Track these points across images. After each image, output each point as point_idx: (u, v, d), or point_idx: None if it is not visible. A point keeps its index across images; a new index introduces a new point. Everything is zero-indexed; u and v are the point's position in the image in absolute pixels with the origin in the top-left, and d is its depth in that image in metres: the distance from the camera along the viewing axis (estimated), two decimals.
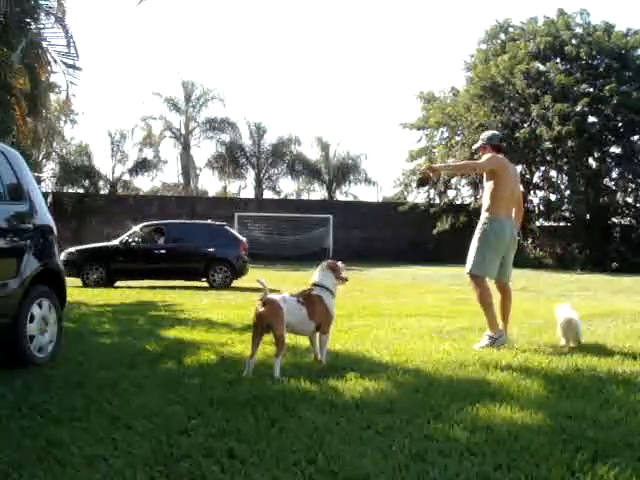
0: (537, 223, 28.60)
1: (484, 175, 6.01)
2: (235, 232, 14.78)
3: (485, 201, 5.86)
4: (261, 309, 4.23)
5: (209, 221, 15.75)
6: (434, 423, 3.16)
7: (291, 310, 4.35)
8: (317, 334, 4.62)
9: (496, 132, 6.42)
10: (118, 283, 13.61)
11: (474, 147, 6.29)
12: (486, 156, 5.87)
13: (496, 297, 5.92)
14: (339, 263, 4.87)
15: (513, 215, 5.92)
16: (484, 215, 5.79)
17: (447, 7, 74.07)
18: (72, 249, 13.95)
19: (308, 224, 27.92)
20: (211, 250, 13.50)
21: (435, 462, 2.64)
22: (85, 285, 13.14)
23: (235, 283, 13.59)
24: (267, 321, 4.21)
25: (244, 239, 14.42)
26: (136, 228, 14.39)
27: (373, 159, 72.71)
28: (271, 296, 4.34)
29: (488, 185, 5.84)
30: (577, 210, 25.93)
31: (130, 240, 13.92)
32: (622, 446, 2.83)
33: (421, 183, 5.74)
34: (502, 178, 5.73)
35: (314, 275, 4.73)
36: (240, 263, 13.74)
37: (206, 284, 13.40)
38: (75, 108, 31.67)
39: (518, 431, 3.02)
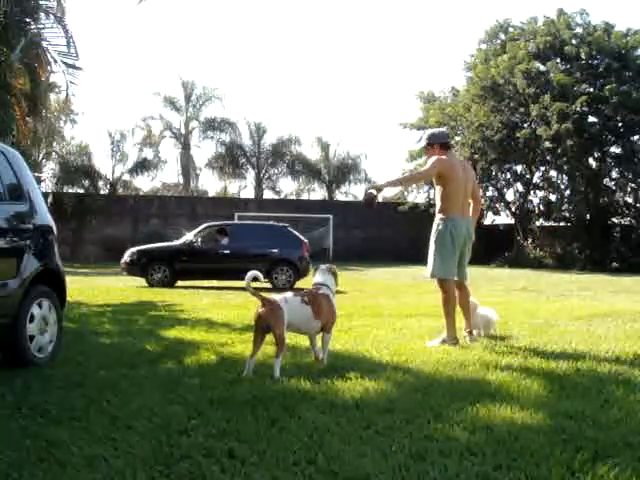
0: (537, 223, 28.61)
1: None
2: (297, 233, 14.75)
3: (437, 202, 5.84)
4: (260, 310, 4.24)
5: (271, 222, 15.87)
6: (434, 423, 3.16)
7: (295, 310, 4.35)
8: (318, 334, 4.62)
9: (442, 129, 6.25)
10: (181, 283, 13.64)
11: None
12: (430, 160, 5.79)
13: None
14: (334, 268, 4.93)
15: (471, 212, 5.91)
16: (438, 217, 5.77)
17: (447, 7, 74.10)
18: (135, 249, 14.14)
19: (308, 224, 27.88)
20: (274, 251, 13.56)
21: (435, 462, 2.64)
22: (150, 285, 13.25)
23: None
24: (267, 321, 4.21)
25: (306, 240, 14.41)
26: (200, 228, 14.47)
27: (373, 159, 72.73)
28: (272, 296, 4.36)
29: (438, 187, 5.82)
30: (577, 210, 25.94)
31: (194, 240, 14.01)
32: (622, 446, 2.83)
33: (368, 204, 5.64)
34: (450, 179, 5.69)
35: (316, 276, 4.79)
36: (303, 264, 13.73)
37: (267, 285, 13.25)
38: (75, 108, 31.72)
39: (518, 431, 3.02)
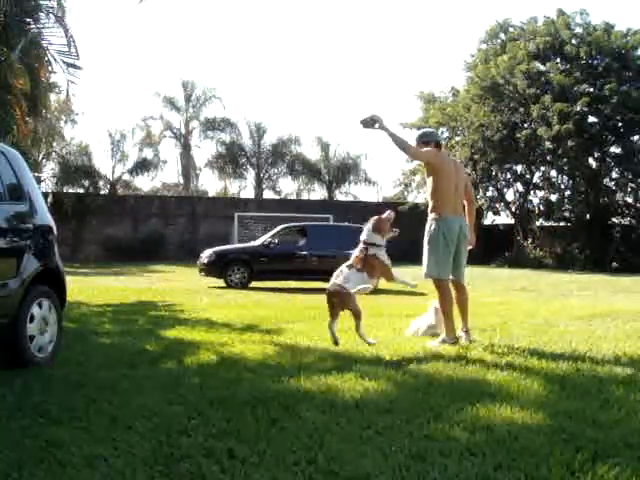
0: (537, 223, 28.61)
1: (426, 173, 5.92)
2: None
3: (429, 200, 5.78)
4: (332, 299, 5.21)
5: (346, 223, 15.89)
6: (434, 423, 3.17)
7: (356, 280, 5.29)
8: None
9: (430, 129, 6.23)
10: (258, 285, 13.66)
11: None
12: (425, 149, 5.75)
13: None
14: (385, 215, 5.55)
15: (466, 214, 5.86)
16: (430, 216, 5.72)
17: (447, 7, 74.10)
18: (213, 250, 14.28)
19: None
20: (351, 252, 13.52)
21: (435, 462, 2.64)
22: (228, 286, 13.32)
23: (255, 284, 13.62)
24: (341, 307, 5.23)
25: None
26: (277, 229, 14.56)
27: (373, 159, 72.64)
28: (335, 283, 5.28)
29: (429, 183, 5.78)
30: (577, 210, 25.92)
31: (271, 241, 14.09)
32: (622, 446, 2.83)
33: (364, 125, 5.54)
34: (441, 173, 5.64)
35: (362, 234, 5.52)
36: None
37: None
38: (75, 108, 31.66)
39: (518, 431, 3.02)
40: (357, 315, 5.18)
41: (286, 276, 13.85)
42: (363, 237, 5.44)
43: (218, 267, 13.71)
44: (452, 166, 5.79)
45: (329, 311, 5.29)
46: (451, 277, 5.72)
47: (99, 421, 3.20)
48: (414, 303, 9.84)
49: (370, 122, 5.54)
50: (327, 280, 13.95)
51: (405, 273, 5.56)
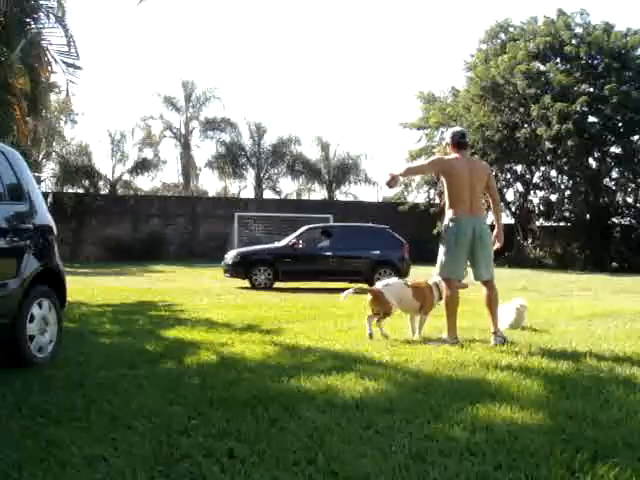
0: (537, 223, 28.61)
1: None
2: (397, 234, 14.80)
3: (446, 202, 5.95)
4: (369, 297, 6.03)
5: (370, 224, 15.94)
6: (434, 423, 3.17)
7: (397, 290, 6.08)
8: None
9: (457, 129, 6.38)
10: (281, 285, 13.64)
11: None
12: (432, 157, 5.86)
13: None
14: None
15: (492, 210, 5.99)
16: (445, 216, 5.92)
17: (447, 7, 74.09)
18: (237, 251, 14.34)
19: (308, 224, 27.86)
20: (376, 252, 13.58)
21: (435, 462, 2.64)
22: (253, 287, 13.34)
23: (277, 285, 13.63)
24: (374, 304, 5.97)
25: (405, 241, 14.41)
26: (301, 230, 14.61)
27: (373, 159, 72.62)
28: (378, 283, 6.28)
29: (444, 183, 5.97)
30: (577, 210, 25.92)
31: (296, 242, 14.13)
32: (622, 446, 2.83)
33: (389, 186, 6.15)
34: (450, 176, 5.81)
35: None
36: (404, 265, 13.73)
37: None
38: (75, 108, 31.62)
39: (518, 431, 3.03)
40: (383, 315, 6.01)
41: (311, 277, 13.87)
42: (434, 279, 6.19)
43: (243, 268, 13.75)
44: (465, 167, 5.82)
45: (368, 307, 6.07)
46: (477, 278, 5.92)
47: (99, 421, 3.20)
48: None
49: (392, 182, 6.07)
50: (351, 281, 14.08)
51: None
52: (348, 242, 14.03)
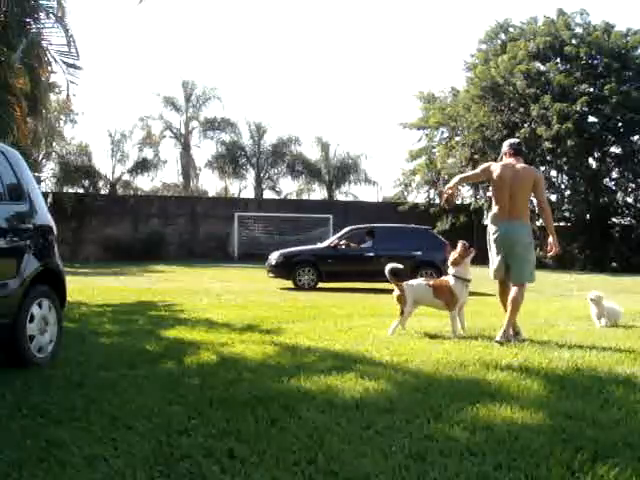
0: (537, 223, 28.59)
1: None
2: (438, 235, 14.79)
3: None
4: (396, 294, 6.40)
5: (413, 225, 15.97)
6: (434, 423, 3.17)
7: (418, 289, 6.41)
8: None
9: (512, 140, 6.65)
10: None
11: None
12: (483, 164, 6.53)
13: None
14: (458, 248, 6.32)
15: (525, 216, 6.11)
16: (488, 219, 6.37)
17: (447, 7, 74.10)
18: (280, 252, 14.39)
19: (308, 224, 27.91)
20: (418, 253, 13.59)
21: (435, 462, 2.64)
22: (297, 287, 13.42)
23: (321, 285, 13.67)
24: (400, 301, 6.37)
25: (447, 242, 14.42)
26: (344, 231, 14.64)
27: (373, 159, 72.60)
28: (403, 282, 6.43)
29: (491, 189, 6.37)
30: (577, 210, 25.94)
31: (339, 243, 14.21)
32: (622, 446, 2.83)
33: (448, 203, 6.68)
34: (493, 182, 6.14)
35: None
36: (446, 266, 13.68)
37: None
38: (75, 108, 31.61)
39: (518, 431, 3.03)
40: (404, 313, 6.41)
41: (353, 278, 13.93)
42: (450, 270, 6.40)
43: (286, 268, 13.89)
44: (508, 174, 6.05)
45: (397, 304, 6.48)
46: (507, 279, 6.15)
47: (99, 421, 3.20)
48: None
49: (452, 197, 6.52)
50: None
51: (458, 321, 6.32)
52: (390, 243, 14.07)
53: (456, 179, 6.53)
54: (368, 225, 15.42)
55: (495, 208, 6.11)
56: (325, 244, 14.64)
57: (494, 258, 6.12)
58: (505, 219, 6.00)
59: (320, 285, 13.61)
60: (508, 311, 5.89)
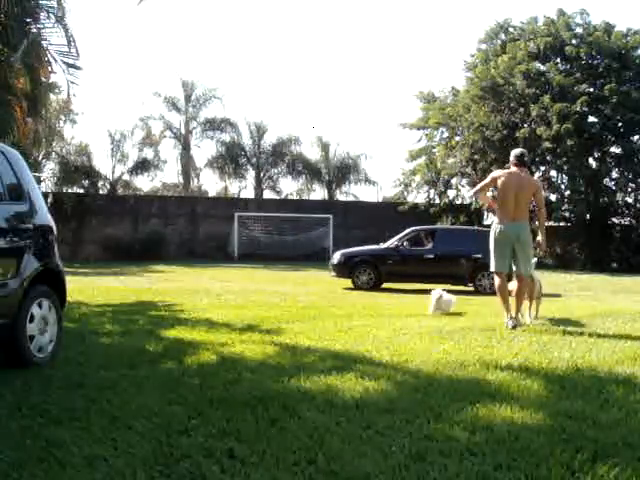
0: (537, 223, 28.57)
1: None
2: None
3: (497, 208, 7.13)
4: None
5: (476, 227, 15.91)
6: (434, 423, 3.17)
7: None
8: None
9: (517, 150, 7.42)
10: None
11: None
12: (491, 174, 7.32)
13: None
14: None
15: (526, 218, 7.05)
16: (494, 220, 7.19)
17: (447, 7, 74.07)
18: (342, 252, 14.55)
19: (308, 224, 27.91)
20: (478, 256, 13.41)
21: (435, 462, 2.65)
22: (356, 287, 13.52)
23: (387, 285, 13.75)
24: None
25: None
26: (405, 232, 14.68)
27: (373, 159, 72.53)
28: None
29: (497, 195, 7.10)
30: (577, 210, 25.91)
31: (399, 244, 14.24)
32: (622, 446, 2.83)
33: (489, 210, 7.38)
34: (500, 188, 6.97)
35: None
36: None
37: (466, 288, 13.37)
38: (75, 108, 31.61)
39: (518, 431, 3.03)
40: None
41: (412, 279, 13.91)
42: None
43: (347, 268, 14.01)
44: (513, 181, 6.95)
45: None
46: (516, 272, 7.08)
47: (99, 421, 3.20)
48: (413, 303, 9.84)
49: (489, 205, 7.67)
50: (453, 283, 14.29)
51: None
52: (451, 245, 14.10)
53: (480, 194, 7.50)
54: (428, 227, 15.41)
55: (501, 210, 6.95)
56: (386, 245, 14.55)
57: (500, 254, 6.95)
58: (511, 221, 6.89)
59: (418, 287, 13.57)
60: (516, 299, 6.89)
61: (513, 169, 7.10)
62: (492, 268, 7.12)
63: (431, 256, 13.88)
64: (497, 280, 7.09)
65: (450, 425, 3.11)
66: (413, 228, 14.98)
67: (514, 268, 7.13)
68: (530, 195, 7.05)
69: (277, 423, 3.15)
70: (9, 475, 2.52)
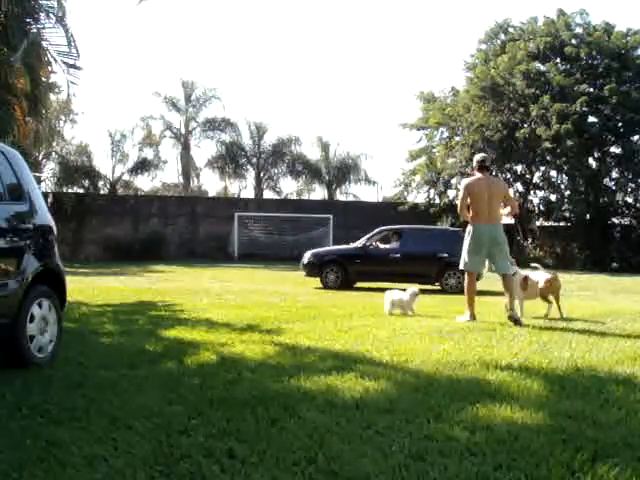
0: (537, 223, 28.59)
1: None
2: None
3: (470, 212, 7.46)
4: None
5: (445, 226, 15.90)
6: (434, 423, 3.17)
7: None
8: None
9: (479, 155, 7.91)
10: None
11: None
12: (461, 185, 7.75)
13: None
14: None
15: (507, 210, 7.52)
16: (469, 223, 7.50)
17: (447, 7, 74.07)
18: (311, 252, 14.56)
19: (308, 224, 27.91)
20: (444, 255, 13.51)
21: (435, 462, 2.64)
22: (325, 287, 13.56)
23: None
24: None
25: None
26: (374, 232, 14.71)
27: (373, 159, 72.57)
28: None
29: (469, 200, 7.46)
30: (577, 210, 25.92)
31: (367, 244, 14.27)
32: (622, 446, 2.83)
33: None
34: (472, 195, 7.38)
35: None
36: None
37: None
38: (75, 108, 31.66)
39: (518, 431, 3.02)
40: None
41: (379, 278, 13.93)
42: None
43: (316, 268, 14.06)
44: (483, 186, 7.38)
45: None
46: (497, 272, 7.48)
47: (99, 421, 3.20)
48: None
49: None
50: (419, 282, 14.38)
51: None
52: (418, 244, 14.13)
53: (464, 210, 7.56)
54: (397, 226, 15.44)
55: (476, 214, 7.31)
56: (354, 245, 14.59)
57: (471, 254, 7.34)
58: (486, 223, 7.30)
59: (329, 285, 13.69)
60: (509, 296, 7.23)
61: (479, 174, 7.51)
62: (462, 266, 7.51)
63: (397, 255, 13.90)
64: (467, 279, 7.45)
65: (450, 425, 3.11)
66: (381, 228, 14.98)
67: (485, 270, 7.76)
68: (501, 196, 7.51)
69: (277, 423, 3.15)
70: (9, 475, 2.52)
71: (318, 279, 13.96)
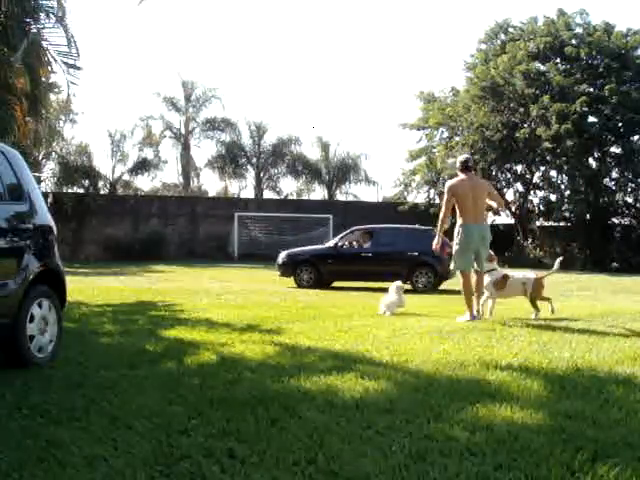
0: (537, 223, 28.59)
1: None
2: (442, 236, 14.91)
3: (458, 213, 7.57)
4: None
5: (417, 226, 16.01)
6: (434, 423, 3.17)
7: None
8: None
9: (462, 156, 7.99)
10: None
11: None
12: (446, 190, 7.70)
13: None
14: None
15: (495, 205, 7.85)
16: (457, 224, 7.56)
17: (447, 7, 74.06)
18: (286, 252, 14.62)
19: (308, 224, 27.91)
20: (415, 254, 13.60)
21: (435, 462, 2.64)
22: (299, 286, 13.65)
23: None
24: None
25: (451, 243, 14.35)
26: (346, 232, 14.80)
27: (373, 159, 72.61)
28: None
29: (456, 201, 7.54)
30: (577, 210, 25.91)
31: (340, 243, 14.37)
32: (622, 446, 2.83)
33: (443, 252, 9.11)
34: (458, 196, 7.45)
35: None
36: (442, 266, 13.36)
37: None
38: (75, 108, 31.63)
39: (518, 431, 3.02)
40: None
41: (352, 277, 14.04)
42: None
43: (290, 268, 14.15)
44: (467, 186, 7.46)
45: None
46: (475, 269, 7.56)
47: (99, 421, 3.20)
48: (413, 303, 9.84)
49: (439, 249, 8.34)
50: (390, 280, 14.47)
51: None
52: (389, 243, 14.17)
53: (438, 230, 7.83)
54: (369, 226, 15.49)
55: (463, 214, 7.40)
56: (327, 245, 14.70)
57: (465, 254, 7.43)
58: (474, 222, 7.44)
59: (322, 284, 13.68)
60: (476, 294, 7.43)
61: (463, 175, 7.59)
62: (455, 267, 7.66)
63: (368, 255, 13.98)
64: (462, 279, 7.50)
65: (450, 425, 3.11)
66: (353, 228, 15.06)
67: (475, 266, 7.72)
68: (485, 196, 7.59)
69: (277, 423, 3.15)
70: (9, 475, 2.52)
71: (289, 278, 14.02)
